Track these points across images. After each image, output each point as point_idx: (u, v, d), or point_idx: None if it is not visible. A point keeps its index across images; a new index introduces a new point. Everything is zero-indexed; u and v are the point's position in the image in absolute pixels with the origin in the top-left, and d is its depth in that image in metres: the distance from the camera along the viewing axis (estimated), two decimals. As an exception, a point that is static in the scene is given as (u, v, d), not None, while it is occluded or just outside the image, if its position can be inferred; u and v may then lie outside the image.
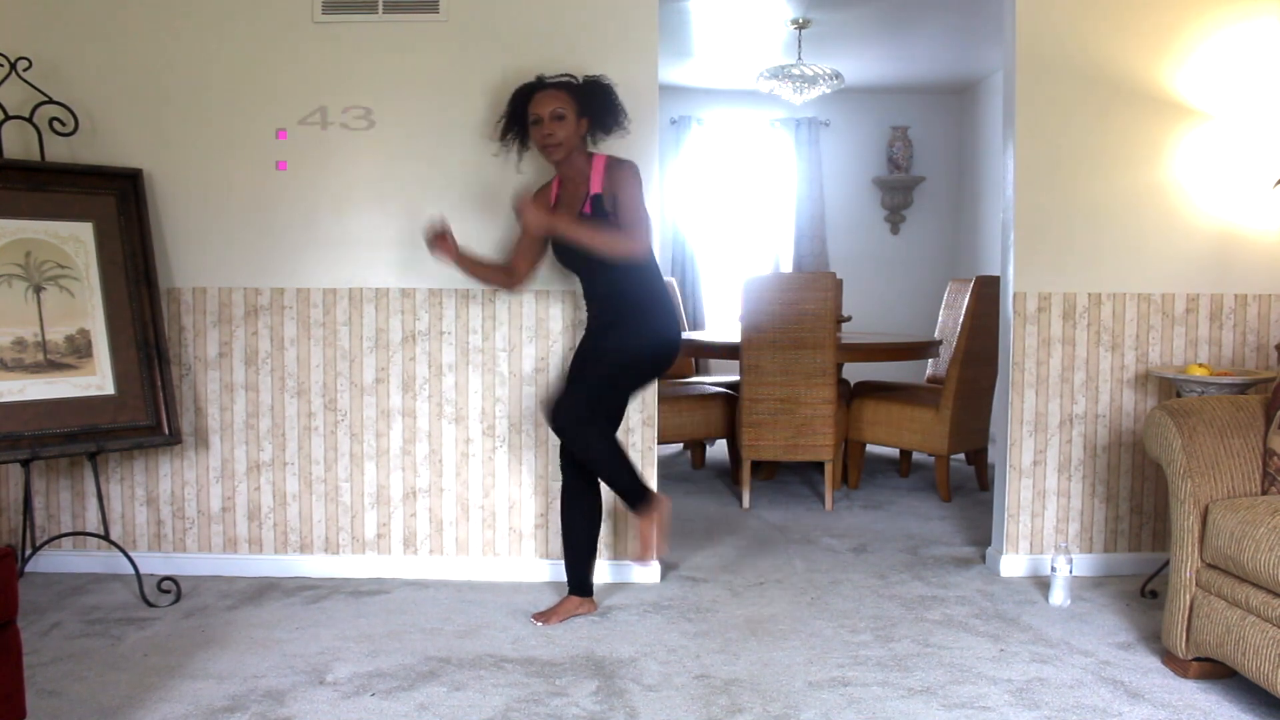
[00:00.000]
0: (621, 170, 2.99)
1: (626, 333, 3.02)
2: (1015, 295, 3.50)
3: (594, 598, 3.19)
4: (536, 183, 3.35)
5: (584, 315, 3.45)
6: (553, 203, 3.13)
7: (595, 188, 3.00)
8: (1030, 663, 2.74)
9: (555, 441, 3.37)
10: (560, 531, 3.20)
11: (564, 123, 2.98)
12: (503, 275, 3.25)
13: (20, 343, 3.16)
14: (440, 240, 3.10)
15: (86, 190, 3.34)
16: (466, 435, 3.51)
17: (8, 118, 3.26)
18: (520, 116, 3.09)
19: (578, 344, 3.23)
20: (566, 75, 3.09)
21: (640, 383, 3.15)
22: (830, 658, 2.77)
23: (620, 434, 3.44)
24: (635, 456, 3.49)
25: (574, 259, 3.08)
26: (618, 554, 3.51)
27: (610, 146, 3.21)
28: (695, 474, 5.42)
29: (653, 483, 3.50)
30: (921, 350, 4.98)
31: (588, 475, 3.12)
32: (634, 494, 3.00)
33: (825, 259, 7.13)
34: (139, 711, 2.41)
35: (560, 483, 3.20)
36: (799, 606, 3.22)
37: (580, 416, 2.94)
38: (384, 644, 2.88)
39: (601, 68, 3.33)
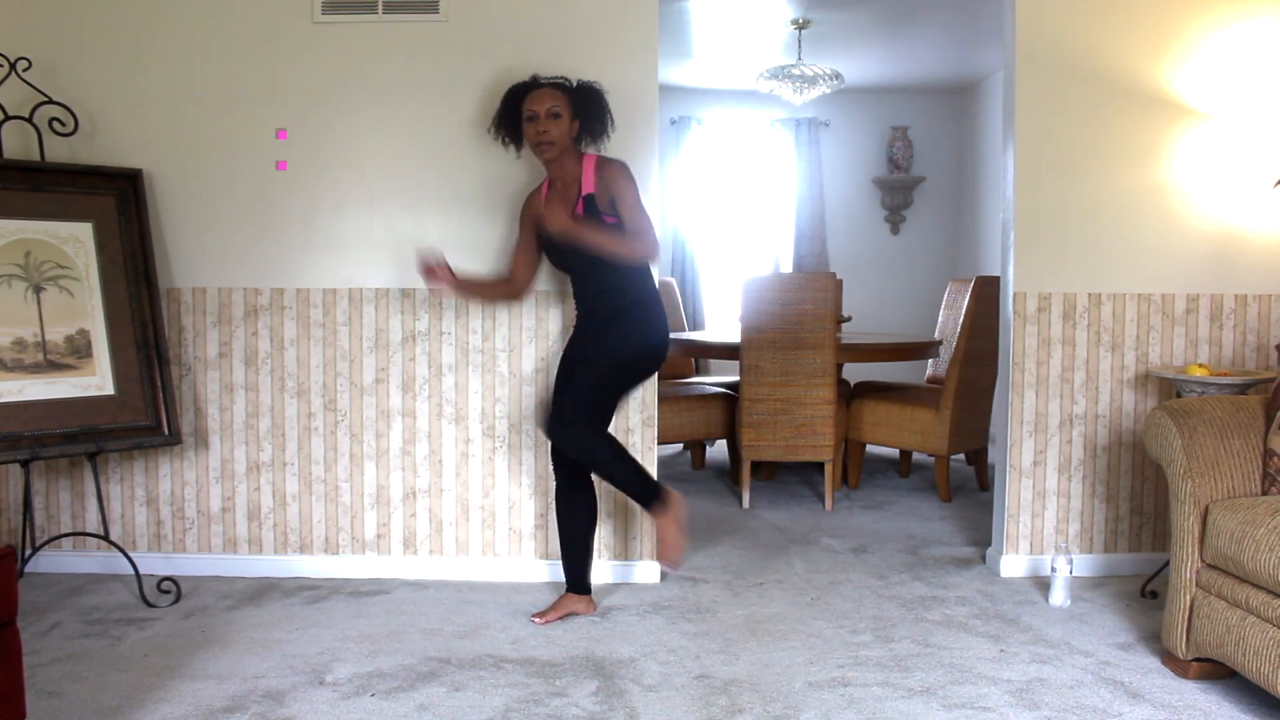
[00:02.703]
0: (612, 169, 3.01)
1: (621, 333, 3.03)
2: (1015, 295, 3.50)
3: (592, 596, 3.19)
4: (535, 179, 3.35)
5: (579, 317, 3.45)
6: (543, 200, 3.14)
7: (588, 187, 3.01)
8: (1030, 663, 2.74)
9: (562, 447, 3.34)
10: (557, 531, 3.20)
11: (559, 121, 2.99)
12: (504, 288, 3.26)
13: (20, 343, 3.16)
14: (430, 273, 3.13)
15: (86, 190, 3.34)
16: (466, 435, 3.51)
17: (8, 118, 3.26)
18: (513, 114, 3.09)
19: (565, 345, 3.24)
20: (561, 77, 3.11)
21: (634, 383, 3.15)
22: (830, 658, 2.77)
23: (620, 434, 3.44)
24: (635, 456, 3.48)
25: (568, 259, 3.09)
26: (627, 555, 3.51)
27: (610, 145, 3.21)
28: (695, 474, 5.42)
29: (653, 483, 3.50)
30: (921, 350, 4.98)
31: (580, 475, 3.12)
32: (644, 492, 2.99)
33: (825, 259, 7.13)
34: (139, 712, 2.41)
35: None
36: (799, 606, 3.22)
37: (576, 419, 2.95)
38: (384, 644, 2.88)
39: (601, 68, 3.33)
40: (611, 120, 3.14)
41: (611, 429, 3.43)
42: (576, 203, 3.02)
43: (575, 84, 3.10)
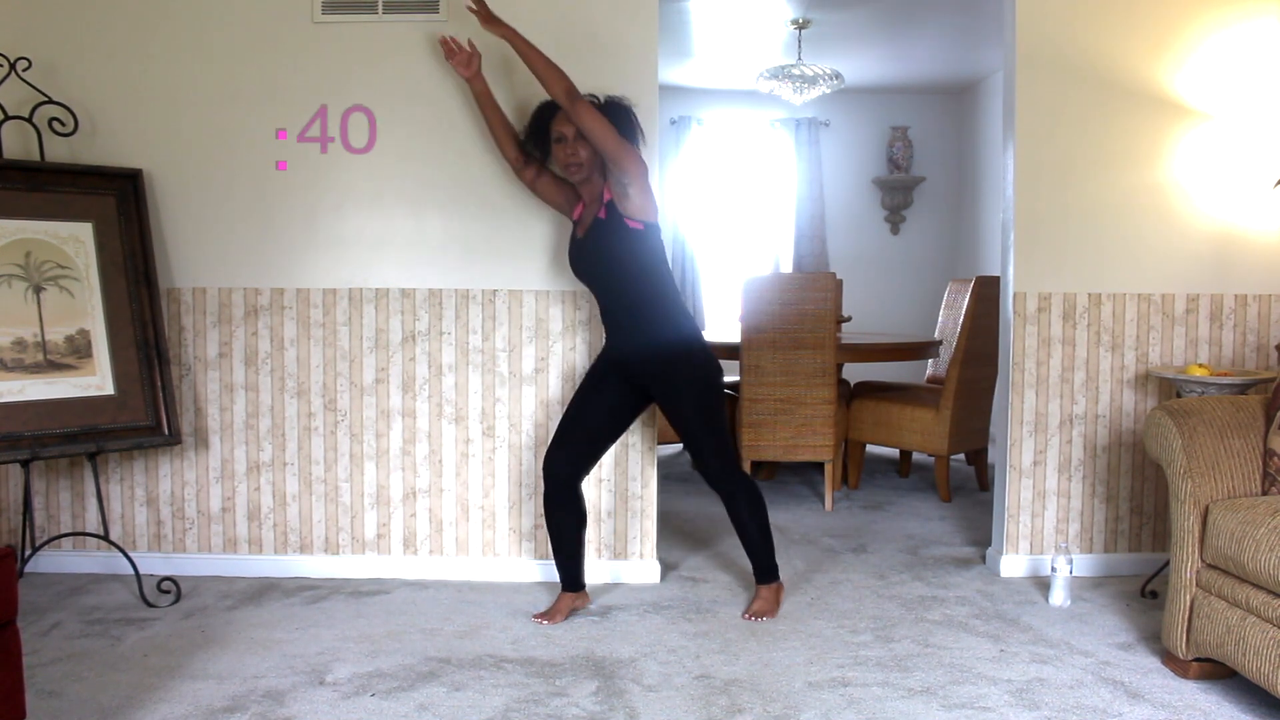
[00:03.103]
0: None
1: (690, 355, 3.04)
2: (1015, 295, 3.50)
3: (587, 591, 3.22)
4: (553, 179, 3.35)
5: (584, 315, 3.45)
6: (575, 219, 3.16)
7: (608, 194, 3.02)
8: (1030, 663, 2.74)
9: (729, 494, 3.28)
10: (549, 533, 3.18)
11: (587, 143, 2.99)
12: (506, 134, 3.23)
13: (20, 343, 3.16)
14: (461, 47, 3.19)
15: (86, 190, 3.34)
16: (466, 435, 3.51)
17: (8, 118, 3.26)
18: (541, 132, 3.12)
19: (599, 360, 3.17)
20: (591, 96, 3.08)
21: (723, 388, 3.15)
22: (830, 658, 2.77)
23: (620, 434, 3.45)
24: (635, 456, 3.49)
25: (590, 270, 3.08)
26: (626, 554, 3.51)
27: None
28: (695, 474, 5.42)
29: (653, 483, 3.50)
30: (921, 350, 4.98)
31: (573, 484, 3.11)
32: (767, 558, 3.17)
33: (825, 259, 7.13)
34: (139, 712, 2.41)
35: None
36: (799, 606, 3.22)
37: (730, 467, 3.08)
38: (384, 644, 2.88)
39: (602, 68, 3.34)
40: (642, 134, 3.16)
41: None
42: (600, 209, 3.03)
43: (604, 101, 3.08)
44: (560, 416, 3.27)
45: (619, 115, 3.06)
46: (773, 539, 3.20)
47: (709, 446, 3.07)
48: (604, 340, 3.18)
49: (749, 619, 3.09)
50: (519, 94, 3.38)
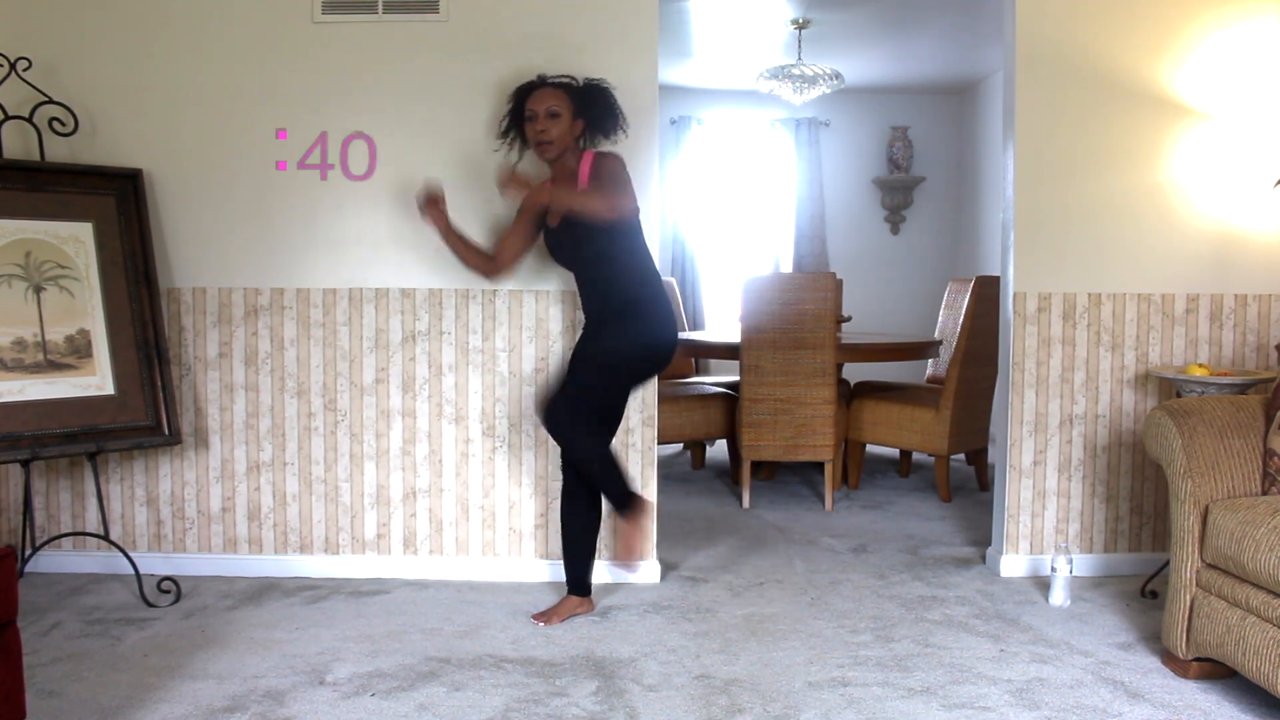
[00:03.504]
0: (606, 159, 3.02)
1: (617, 334, 3.02)
2: (1015, 295, 3.50)
3: (592, 597, 3.19)
4: (537, 177, 3.34)
5: (584, 315, 3.45)
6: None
7: (584, 183, 3.02)
8: (1030, 663, 2.74)
9: (555, 442, 3.35)
10: (560, 531, 3.20)
11: (558, 121, 3.00)
12: (483, 261, 3.25)
13: (20, 343, 3.16)
14: (432, 204, 3.17)
15: (86, 190, 3.34)
16: (466, 435, 3.51)
17: (8, 118, 3.26)
18: (520, 114, 3.11)
19: (575, 343, 3.22)
20: (567, 76, 3.11)
21: (634, 383, 3.15)
22: (830, 658, 2.77)
23: (620, 434, 3.44)
24: (635, 456, 3.49)
25: (568, 254, 3.09)
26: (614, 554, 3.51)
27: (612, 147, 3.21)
28: (695, 474, 5.42)
29: (653, 483, 3.50)
30: (921, 350, 4.98)
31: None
32: (618, 497, 3.02)
33: (825, 259, 7.13)
34: (139, 712, 2.41)
35: (560, 483, 3.20)
36: (799, 606, 3.22)
37: (567, 419, 2.96)
38: (384, 644, 2.88)
39: (602, 67, 3.33)
40: (623, 117, 3.14)
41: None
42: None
43: (581, 83, 3.09)
44: None
45: (593, 99, 3.06)
46: (618, 467, 3.05)
47: (566, 395, 2.98)
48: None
49: (621, 568, 3.13)
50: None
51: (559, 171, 3.09)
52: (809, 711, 2.43)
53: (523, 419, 3.50)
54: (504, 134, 3.18)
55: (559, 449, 3.16)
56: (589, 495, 3.14)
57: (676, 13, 5.21)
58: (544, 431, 3.46)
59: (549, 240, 3.14)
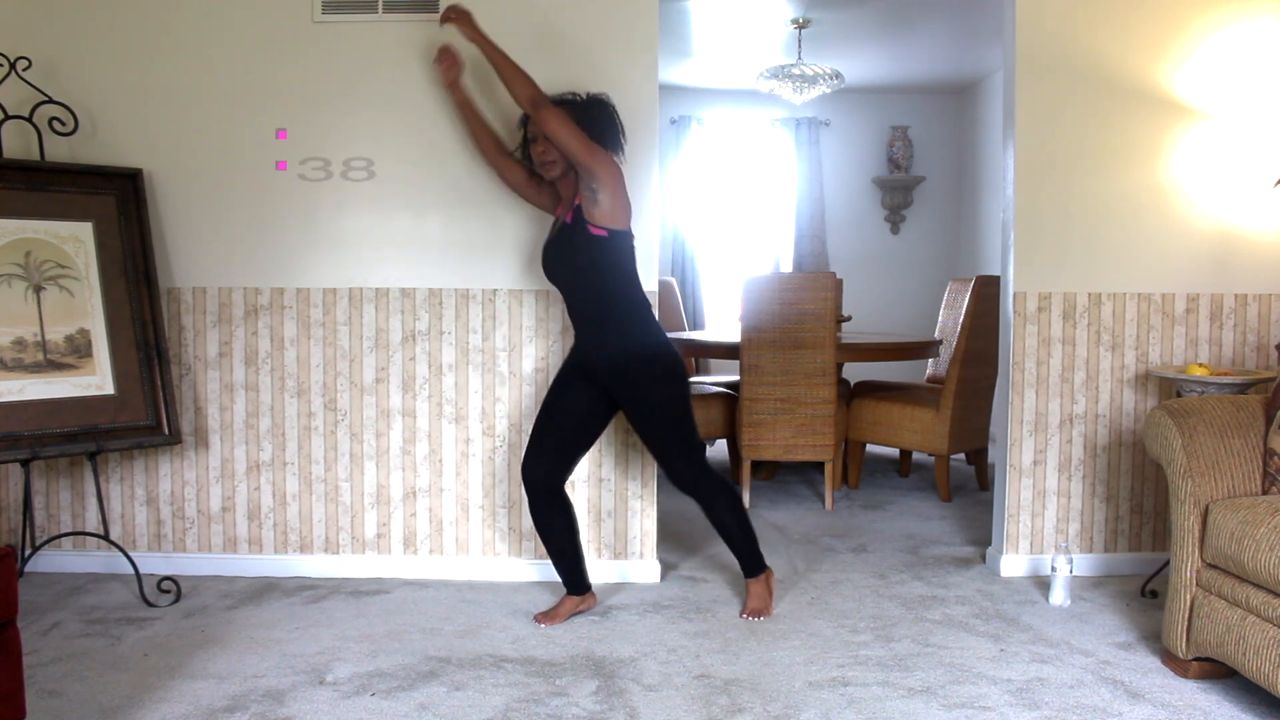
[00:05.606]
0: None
1: (645, 366, 2.99)
2: (1015, 295, 3.50)
3: (593, 591, 3.19)
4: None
5: (576, 334, 3.43)
6: (555, 218, 3.15)
7: (577, 199, 2.99)
8: (1030, 663, 2.74)
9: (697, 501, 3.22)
10: (541, 540, 3.15)
11: None
12: (488, 139, 3.25)
13: (20, 343, 3.16)
14: (447, 55, 3.21)
15: (86, 190, 3.34)
16: (466, 435, 3.51)
17: (8, 118, 3.26)
18: (523, 130, 3.11)
19: (565, 364, 3.14)
20: (570, 93, 3.05)
21: (686, 384, 3.10)
22: (830, 658, 2.77)
23: (621, 434, 3.45)
24: (636, 457, 3.49)
25: (560, 273, 3.04)
26: (626, 554, 3.51)
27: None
28: (695, 474, 5.42)
29: (654, 483, 3.50)
30: (921, 350, 4.98)
31: (552, 491, 3.07)
32: (752, 558, 3.15)
33: (825, 259, 7.13)
34: (139, 711, 2.41)
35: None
36: (799, 606, 3.22)
37: (695, 469, 3.04)
38: (384, 644, 2.88)
39: (602, 67, 3.34)
40: (622, 132, 3.07)
41: (611, 429, 3.44)
42: (568, 213, 3.01)
43: (584, 99, 3.04)
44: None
45: (595, 116, 3.01)
46: (754, 530, 3.18)
47: (676, 453, 3.03)
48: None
49: (747, 619, 3.08)
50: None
51: (565, 191, 3.09)
52: (809, 711, 2.43)
53: (523, 419, 3.50)
54: (523, 155, 3.18)
55: (522, 463, 3.10)
56: (558, 500, 3.09)
57: (676, 12, 5.21)
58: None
59: (545, 257, 3.10)
